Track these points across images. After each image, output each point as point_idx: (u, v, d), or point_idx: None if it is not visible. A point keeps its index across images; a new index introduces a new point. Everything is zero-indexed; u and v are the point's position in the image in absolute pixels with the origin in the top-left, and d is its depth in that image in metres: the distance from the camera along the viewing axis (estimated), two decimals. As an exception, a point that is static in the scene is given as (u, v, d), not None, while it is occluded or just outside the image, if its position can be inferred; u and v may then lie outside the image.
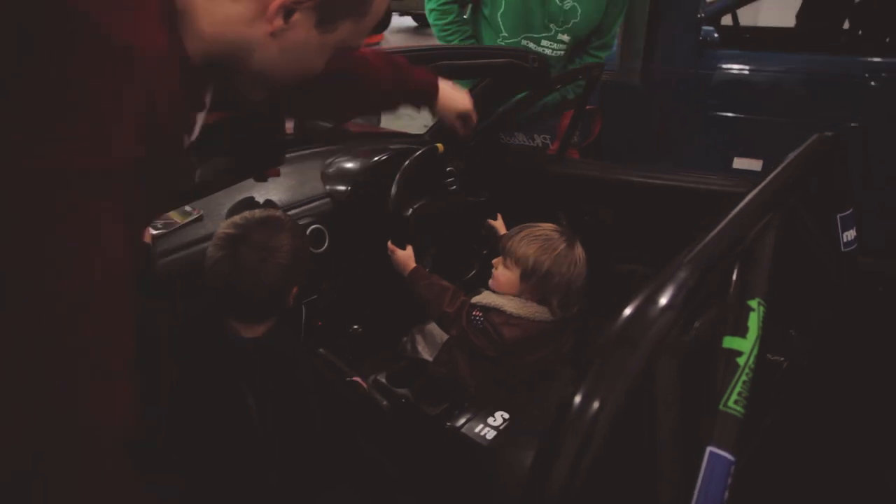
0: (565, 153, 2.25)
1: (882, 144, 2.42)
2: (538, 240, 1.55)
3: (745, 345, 0.71)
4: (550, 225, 1.62)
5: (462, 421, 1.41)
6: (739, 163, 2.53)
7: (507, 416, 1.41)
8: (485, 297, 1.60)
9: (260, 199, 1.71)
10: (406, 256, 1.71)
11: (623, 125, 2.74)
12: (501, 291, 1.58)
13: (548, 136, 2.38)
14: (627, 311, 0.62)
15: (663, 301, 0.62)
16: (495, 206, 2.03)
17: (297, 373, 1.30)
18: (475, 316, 1.56)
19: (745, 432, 0.69)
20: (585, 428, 0.56)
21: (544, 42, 2.19)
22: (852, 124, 2.46)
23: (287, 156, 1.84)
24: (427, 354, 1.81)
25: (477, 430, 1.38)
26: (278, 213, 1.32)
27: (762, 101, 2.59)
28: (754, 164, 2.49)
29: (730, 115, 2.65)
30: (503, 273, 1.58)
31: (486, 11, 2.22)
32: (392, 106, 1.46)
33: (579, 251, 1.56)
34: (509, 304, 1.54)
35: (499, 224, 1.97)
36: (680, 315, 0.62)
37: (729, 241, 0.73)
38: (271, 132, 1.34)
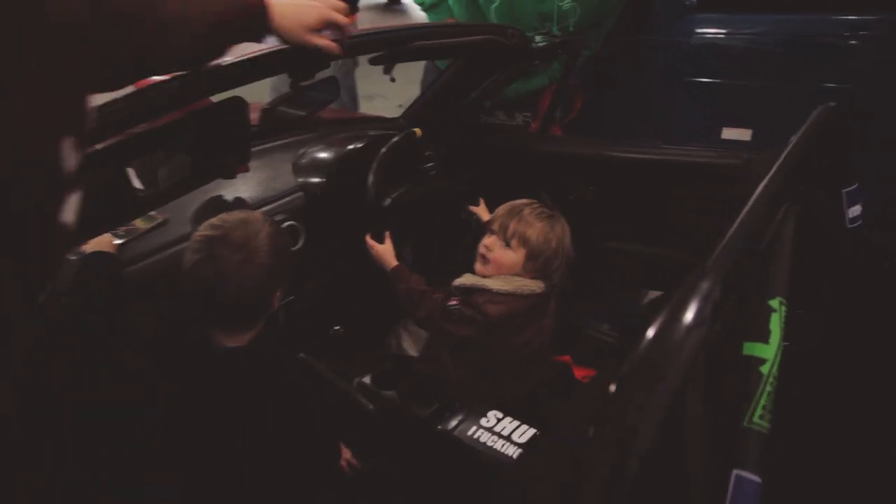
0: (548, 131, 2.16)
1: (870, 105, 2.35)
2: (541, 218, 1.51)
3: (767, 351, 0.63)
4: (532, 201, 1.57)
5: (454, 423, 1.35)
6: (728, 133, 2.44)
7: (500, 415, 1.35)
8: (467, 279, 1.54)
9: (229, 197, 1.62)
10: (385, 252, 1.62)
11: (606, 99, 2.64)
12: (501, 274, 1.52)
13: (529, 114, 2.29)
14: (651, 333, 0.54)
15: (689, 318, 0.54)
16: (477, 190, 1.95)
17: (284, 381, 1.23)
18: (450, 306, 1.49)
19: (770, 446, 0.62)
20: (615, 465, 0.48)
21: (538, 38, 2.10)
22: (841, 85, 2.38)
23: (255, 149, 1.75)
24: (413, 350, 1.74)
25: (470, 433, 1.31)
26: (256, 212, 1.24)
27: (747, 65, 2.47)
28: (744, 135, 2.41)
29: (713, 81, 2.55)
30: (505, 254, 1.51)
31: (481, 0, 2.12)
32: (210, 44, 1.01)
33: (566, 225, 1.55)
34: (494, 283, 1.49)
35: (481, 210, 1.89)
36: (709, 332, 0.54)
37: (748, 239, 0.65)
38: (236, 125, 1.24)
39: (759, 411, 0.62)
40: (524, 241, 1.49)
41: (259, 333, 1.20)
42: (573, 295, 2.08)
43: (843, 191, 1.11)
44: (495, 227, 1.54)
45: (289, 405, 1.20)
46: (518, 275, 1.51)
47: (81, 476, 1.10)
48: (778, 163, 0.77)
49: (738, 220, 0.66)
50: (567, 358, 1.88)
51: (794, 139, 0.87)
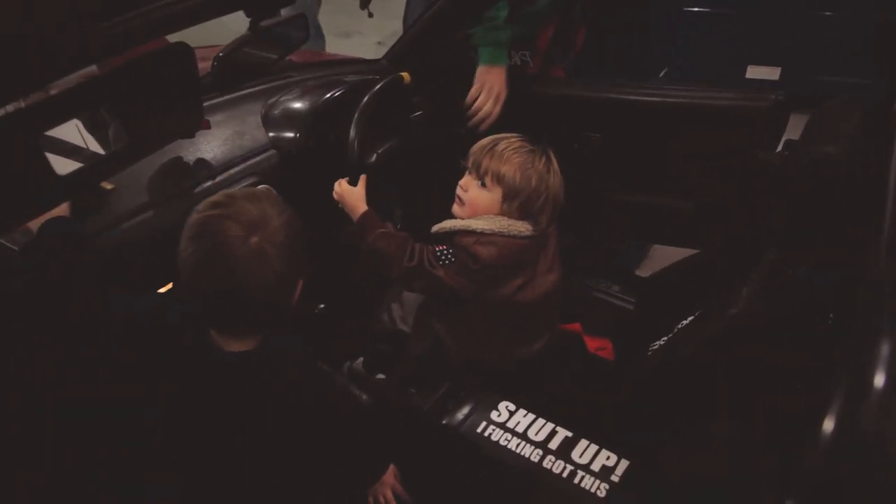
0: (549, 71, 1.94)
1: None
2: (519, 153, 1.34)
3: None
4: (516, 135, 1.39)
5: (459, 417, 1.18)
6: (753, 71, 2.19)
7: (512, 407, 1.18)
8: (447, 223, 1.38)
9: (189, 159, 1.42)
10: (357, 196, 1.39)
11: (610, 35, 2.38)
12: (478, 216, 1.36)
13: (527, 53, 2.05)
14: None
15: None
16: (472, 141, 1.74)
17: (301, 395, 1.03)
18: (440, 251, 1.33)
19: None
20: None
21: None
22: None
23: (217, 101, 1.52)
24: (408, 324, 1.57)
25: (480, 429, 1.15)
26: (260, 187, 1.02)
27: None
28: (771, 73, 2.16)
29: (733, 13, 2.28)
30: (480, 195, 1.36)
31: None
32: None
33: (554, 161, 1.38)
34: (478, 223, 1.34)
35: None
36: None
37: None
38: (179, 76, 1.01)
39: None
40: (499, 179, 1.33)
41: (267, 335, 1.00)
42: (577, 248, 1.91)
43: None
44: (469, 164, 1.39)
45: (310, 424, 1.02)
46: (499, 216, 1.36)
47: (81, 475, 1.05)
48: None
49: None
50: (577, 326, 1.72)
51: None
